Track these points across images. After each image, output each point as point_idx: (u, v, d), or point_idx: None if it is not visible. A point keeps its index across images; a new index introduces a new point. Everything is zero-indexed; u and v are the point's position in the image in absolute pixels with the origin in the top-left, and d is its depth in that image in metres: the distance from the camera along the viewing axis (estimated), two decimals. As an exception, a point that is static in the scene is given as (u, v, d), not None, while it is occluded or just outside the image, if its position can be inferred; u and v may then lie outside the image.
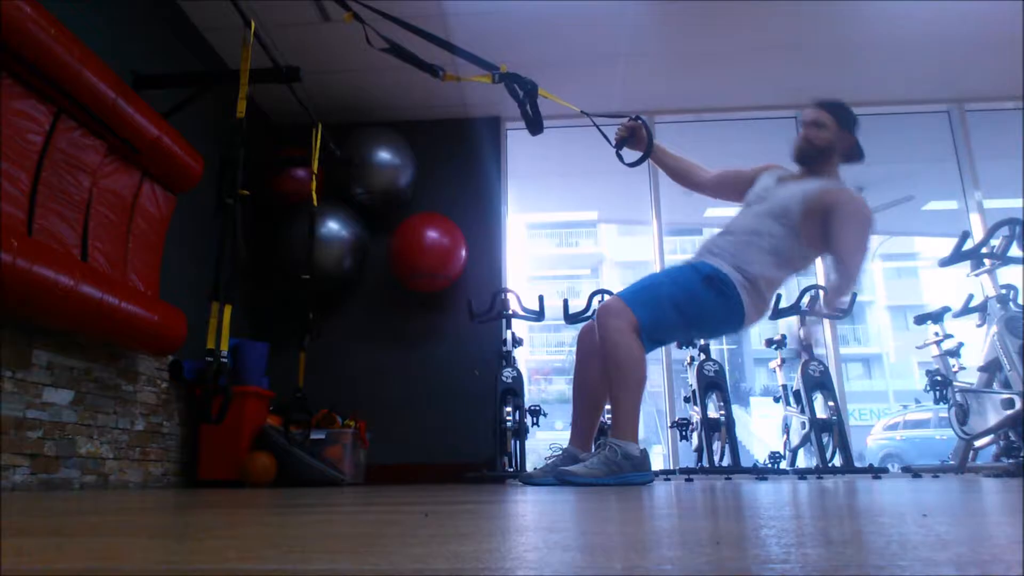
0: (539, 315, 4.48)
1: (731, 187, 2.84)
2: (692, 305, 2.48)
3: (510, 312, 4.45)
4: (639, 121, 2.76)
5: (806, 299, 4.18)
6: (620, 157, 2.80)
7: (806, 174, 2.62)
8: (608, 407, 3.30)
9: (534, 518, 1.00)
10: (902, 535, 0.65)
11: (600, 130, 2.95)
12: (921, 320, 4.22)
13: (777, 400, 4.52)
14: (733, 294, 2.44)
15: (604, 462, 2.33)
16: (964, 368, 3.98)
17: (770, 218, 2.50)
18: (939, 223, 7.04)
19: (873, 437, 11.84)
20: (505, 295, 4.48)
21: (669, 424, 4.66)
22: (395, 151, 4.72)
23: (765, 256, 2.47)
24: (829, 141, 2.56)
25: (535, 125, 2.81)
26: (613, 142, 2.79)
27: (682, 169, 2.85)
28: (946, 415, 3.93)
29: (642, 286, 2.56)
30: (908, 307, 16.66)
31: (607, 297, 2.54)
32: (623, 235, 18.21)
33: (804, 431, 4.05)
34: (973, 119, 5.16)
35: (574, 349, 2.78)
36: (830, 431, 3.87)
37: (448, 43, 2.94)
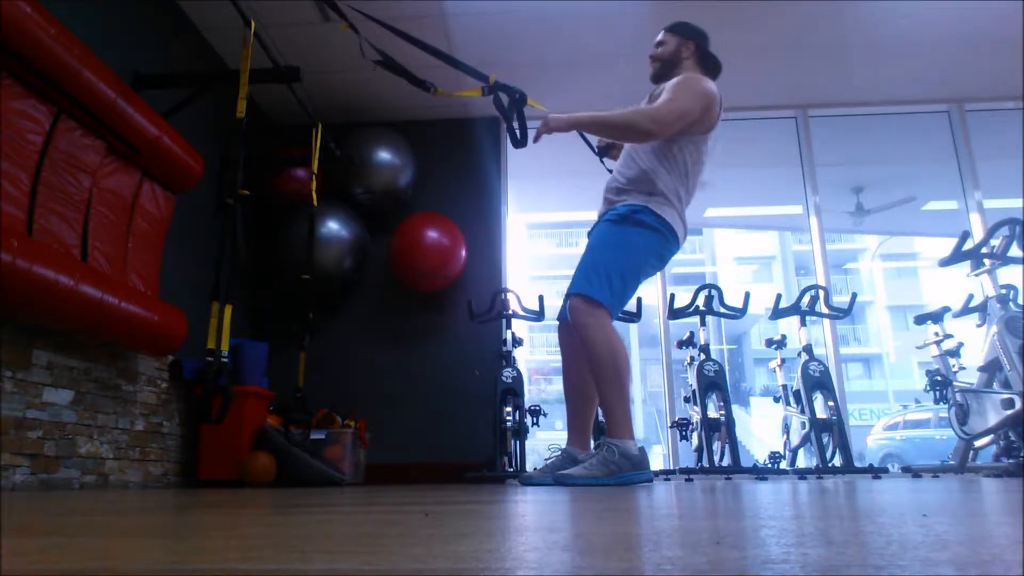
0: (539, 315, 4.48)
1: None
2: (634, 255, 2.55)
3: (510, 312, 4.45)
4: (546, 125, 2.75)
5: (806, 299, 4.18)
6: (603, 163, 2.85)
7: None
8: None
9: (534, 518, 1.00)
10: (902, 535, 0.65)
11: (585, 139, 2.99)
12: (921, 320, 4.22)
13: (777, 400, 4.52)
14: (651, 216, 2.53)
15: (603, 462, 2.33)
16: (964, 368, 3.98)
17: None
18: (939, 223, 7.04)
19: (873, 437, 11.84)
20: (505, 295, 4.49)
21: (669, 424, 4.66)
22: (395, 151, 4.72)
23: (642, 163, 2.57)
24: (670, 52, 2.73)
25: (520, 140, 2.82)
26: (595, 150, 2.85)
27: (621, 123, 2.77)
28: (946, 415, 3.93)
29: (587, 271, 2.57)
30: (908, 307, 16.67)
31: (571, 298, 2.54)
32: (623, 235, 18.15)
33: (804, 431, 4.05)
34: (973, 119, 5.16)
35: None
36: (830, 431, 3.87)
37: (442, 53, 2.95)
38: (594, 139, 2.90)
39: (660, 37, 2.80)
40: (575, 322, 2.51)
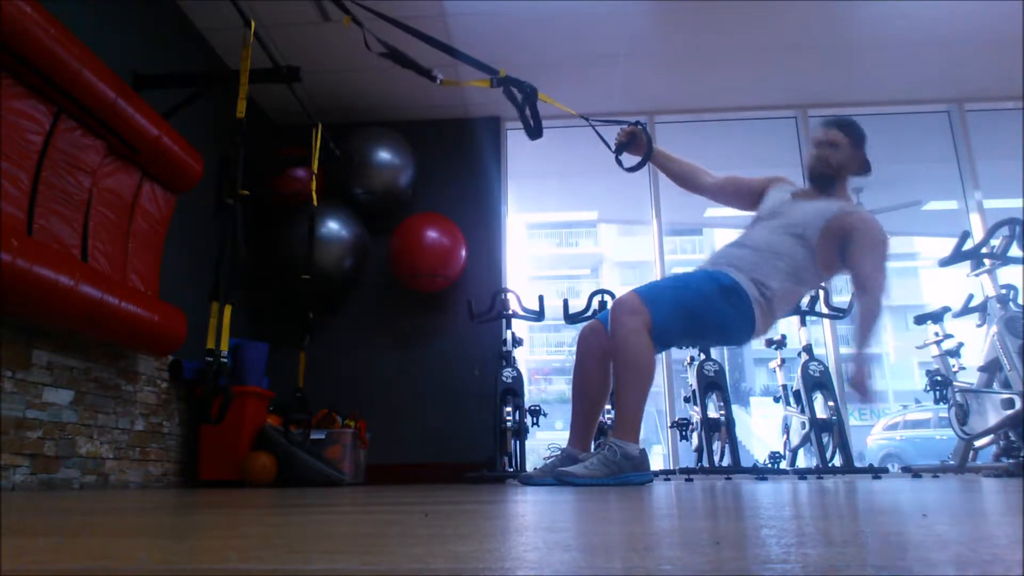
0: (539, 315, 4.48)
1: (735, 195, 2.87)
2: (707, 314, 2.48)
3: (510, 312, 4.45)
4: (639, 126, 2.77)
5: (806, 299, 4.18)
6: (620, 162, 2.80)
7: (817, 192, 2.63)
8: (608, 407, 3.30)
9: (534, 518, 1.00)
10: (902, 535, 0.65)
11: (599, 134, 2.95)
12: (921, 320, 4.22)
13: (777, 400, 4.52)
14: (747, 308, 2.45)
15: (603, 462, 2.33)
16: (964, 368, 3.98)
17: (788, 236, 2.51)
18: (939, 223, 7.04)
19: (873, 437, 11.84)
20: (505, 295, 4.48)
21: (669, 424, 4.66)
22: (395, 151, 4.72)
23: (782, 274, 2.49)
24: (842, 161, 2.57)
25: (535, 130, 2.81)
26: (613, 147, 2.80)
27: (684, 173, 2.86)
28: (946, 415, 3.93)
29: (661, 287, 2.56)
30: (908, 307, 16.63)
31: (624, 292, 2.52)
32: (623, 235, 18.20)
33: (804, 431, 4.04)
34: (973, 119, 5.16)
35: (574, 349, 2.78)
36: (830, 431, 3.87)
37: (448, 46, 2.94)
38: (610, 137, 2.86)
39: (829, 136, 2.59)
40: (617, 316, 2.44)
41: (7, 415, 2.49)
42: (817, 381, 3.98)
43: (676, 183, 2.90)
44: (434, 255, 4.54)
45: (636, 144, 2.77)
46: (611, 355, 2.54)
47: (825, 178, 2.59)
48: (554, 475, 2.41)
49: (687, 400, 4.28)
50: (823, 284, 2.56)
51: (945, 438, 8.16)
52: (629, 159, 2.78)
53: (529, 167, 5.72)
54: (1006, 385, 3.51)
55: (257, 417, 3.75)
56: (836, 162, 2.57)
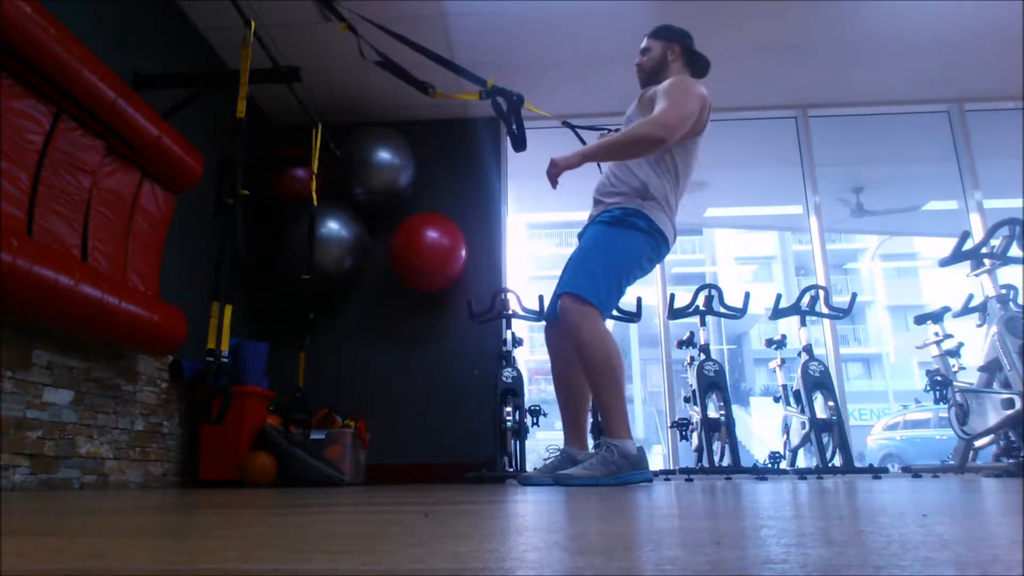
0: (539, 315, 4.48)
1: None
2: (632, 259, 2.54)
3: (510, 312, 4.45)
4: (553, 168, 2.68)
5: (806, 299, 4.18)
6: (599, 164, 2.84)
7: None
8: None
9: (534, 518, 1.00)
10: (902, 535, 0.65)
11: (580, 139, 2.99)
12: (921, 320, 4.22)
13: (777, 400, 4.52)
14: (644, 220, 2.52)
15: (602, 462, 2.33)
16: (964, 368, 3.98)
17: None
18: (939, 223, 7.03)
19: (873, 437, 11.84)
20: (505, 295, 4.49)
21: (669, 424, 4.66)
22: (395, 151, 4.71)
23: (635, 168, 2.58)
24: (657, 58, 2.75)
25: (519, 142, 2.81)
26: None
27: (619, 143, 2.67)
28: (946, 415, 3.92)
29: (579, 271, 2.56)
30: (908, 307, 16.66)
31: (562, 298, 2.54)
32: (623, 235, 18.15)
33: (804, 431, 4.05)
34: (973, 119, 5.16)
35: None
36: (830, 431, 3.87)
37: (440, 57, 2.96)
38: (589, 139, 2.89)
39: (644, 44, 2.81)
40: (567, 323, 2.50)
41: (7, 415, 2.49)
42: (817, 381, 3.98)
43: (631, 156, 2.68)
44: (434, 255, 4.54)
45: (564, 168, 2.67)
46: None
47: (649, 79, 2.74)
48: (554, 478, 2.41)
49: (687, 400, 4.28)
50: (669, 146, 2.50)
51: (945, 438, 8.16)
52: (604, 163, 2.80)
53: (529, 167, 5.71)
54: (1006, 385, 3.51)
55: (257, 417, 3.75)
56: (650, 65, 2.74)
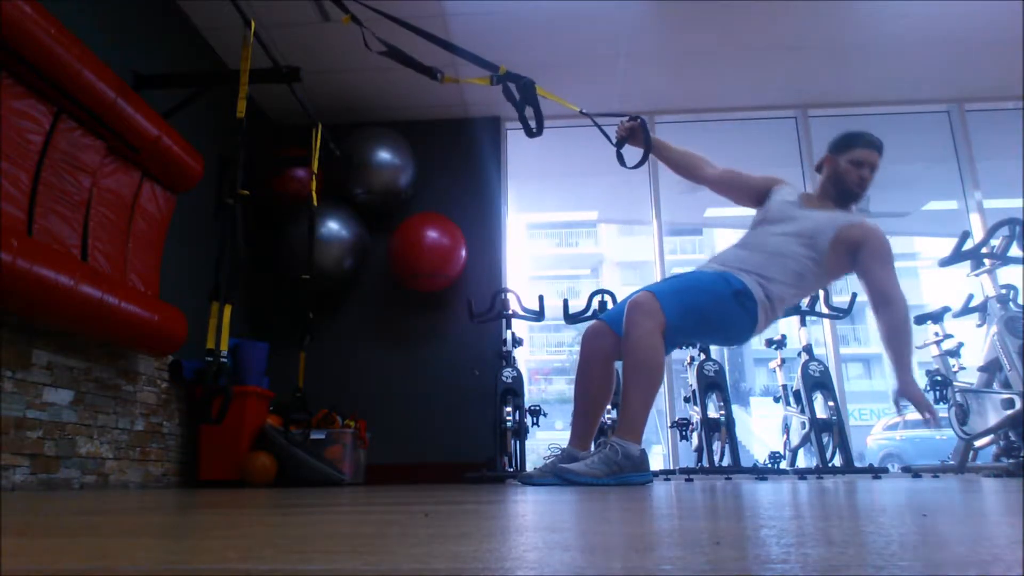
0: (539, 315, 4.48)
1: (734, 189, 2.90)
2: (717, 316, 2.51)
3: (510, 312, 4.45)
4: (639, 121, 2.78)
5: (806, 299, 4.18)
6: (621, 157, 2.80)
7: (834, 205, 2.65)
8: (609, 407, 3.30)
9: (534, 518, 0.99)
10: (902, 535, 0.65)
11: (601, 130, 2.96)
12: (921, 320, 4.22)
13: (777, 400, 4.52)
14: (753, 311, 2.49)
15: (604, 461, 2.33)
16: (964, 368, 3.98)
17: (797, 242, 2.54)
18: (939, 223, 7.03)
19: (873, 437, 11.83)
20: (505, 295, 4.48)
21: (669, 424, 4.66)
22: (395, 151, 4.71)
23: (789, 279, 2.53)
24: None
25: (536, 127, 2.79)
26: (614, 141, 2.80)
27: (685, 163, 2.87)
28: (946, 415, 3.92)
29: (676, 289, 2.55)
30: (908, 307, 16.61)
31: (640, 293, 2.52)
32: (623, 235, 18.20)
33: (804, 431, 4.04)
34: (973, 119, 5.16)
35: (577, 349, 2.77)
36: (830, 431, 3.87)
37: (448, 43, 2.93)
38: (612, 131, 2.87)
39: (873, 158, 2.63)
40: (633, 317, 2.43)
41: (7, 415, 2.49)
42: (817, 381, 3.98)
43: (676, 172, 2.90)
44: (434, 255, 4.54)
45: (636, 138, 2.79)
46: (617, 356, 2.55)
47: (856, 198, 2.65)
48: (555, 472, 2.41)
49: (687, 400, 4.28)
50: (820, 288, 2.60)
51: (945, 438, 8.15)
52: (632, 153, 2.79)
53: (529, 167, 5.72)
54: (1006, 385, 3.51)
55: (257, 417, 3.75)
56: (869, 185, 2.65)
